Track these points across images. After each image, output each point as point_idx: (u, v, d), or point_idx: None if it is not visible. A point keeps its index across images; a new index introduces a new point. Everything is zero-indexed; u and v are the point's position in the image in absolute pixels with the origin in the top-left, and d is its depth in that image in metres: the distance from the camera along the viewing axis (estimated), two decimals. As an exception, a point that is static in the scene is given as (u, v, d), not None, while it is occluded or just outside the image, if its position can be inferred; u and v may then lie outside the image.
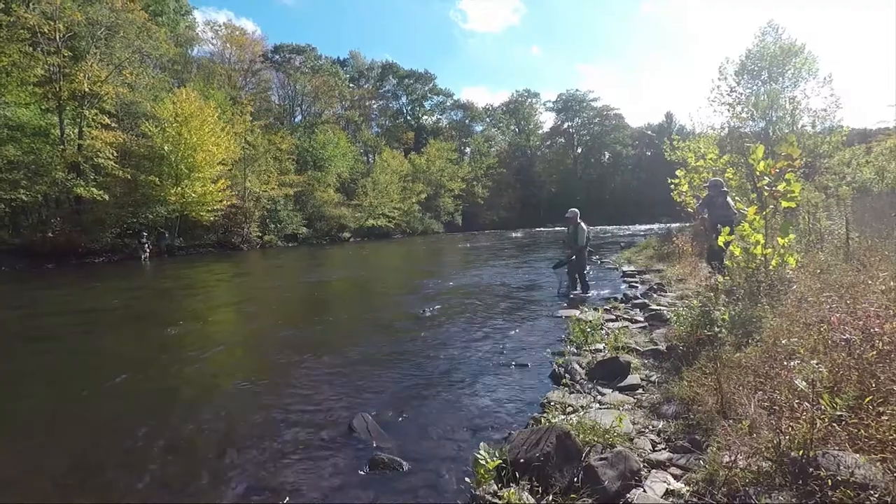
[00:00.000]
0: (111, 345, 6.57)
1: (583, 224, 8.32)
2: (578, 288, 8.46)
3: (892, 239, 6.70)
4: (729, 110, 19.91)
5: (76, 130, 22.59)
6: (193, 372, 5.16)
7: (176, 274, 17.00)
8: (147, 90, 26.91)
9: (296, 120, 48.97)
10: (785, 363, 2.87)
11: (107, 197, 21.74)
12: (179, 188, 24.20)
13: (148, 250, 22.23)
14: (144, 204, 24.14)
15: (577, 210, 8.53)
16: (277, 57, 51.10)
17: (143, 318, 8.49)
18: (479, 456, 2.41)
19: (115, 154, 22.87)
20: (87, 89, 21.90)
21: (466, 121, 71.20)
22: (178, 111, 24.50)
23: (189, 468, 2.97)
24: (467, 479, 2.49)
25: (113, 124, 23.41)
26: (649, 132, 67.46)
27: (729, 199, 7.34)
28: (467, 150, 68.42)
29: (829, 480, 1.89)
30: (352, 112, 55.56)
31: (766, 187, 5.18)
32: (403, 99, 68.36)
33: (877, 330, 2.76)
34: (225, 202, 26.56)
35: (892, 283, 3.63)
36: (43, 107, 21.76)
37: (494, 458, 2.39)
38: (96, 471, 3.02)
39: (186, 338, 6.88)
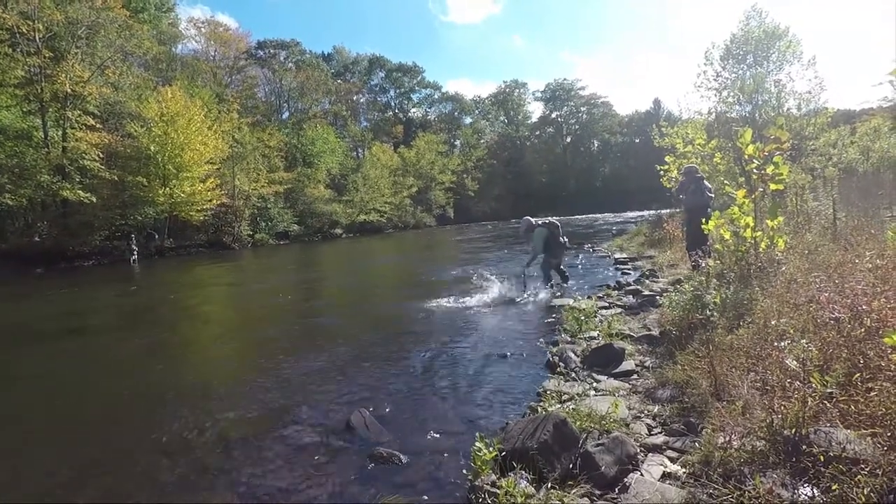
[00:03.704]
0: (103, 348, 6.51)
1: (540, 226, 7.94)
2: (552, 282, 8.10)
3: (878, 217, 6.80)
4: (716, 95, 20.07)
5: (60, 132, 22.22)
6: (187, 373, 5.14)
7: (166, 275, 16.87)
8: (131, 89, 26.51)
9: (283, 116, 48.52)
10: (776, 343, 2.90)
11: (94, 199, 21.47)
12: (168, 188, 23.98)
13: (137, 252, 22.00)
14: (133, 205, 23.91)
15: (528, 218, 8.27)
16: (262, 53, 50.46)
17: (135, 320, 8.42)
18: (476, 447, 2.43)
19: (101, 155, 22.58)
20: (69, 90, 21.54)
21: (455, 113, 70.93)
22: (164, 110, 24.23)
23: (186, 469, 2.96)
24: (465, 471, 2.51)
25: (97, 125, 23.05)
26: (637, 120, 67.66)
27: (705, 183, 7.33)
28: (457, 142, 68.23)
29: (822, 456, 1.92)
30: (339, 107, 55.11)
31: (754, 170, 5.21)
32: (391, 92, 68.04)
33: (864, 308, 2.79)
34: (214, 201, 26.37)
35: (878, 261, 3.67)
36: (24, 109, 21.39)
37: (492, 449, 2.41)
38: (92, 472, 3.00)
39: (179, 339, 6.85)
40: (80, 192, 21.12)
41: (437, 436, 3.15)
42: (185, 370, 5.28)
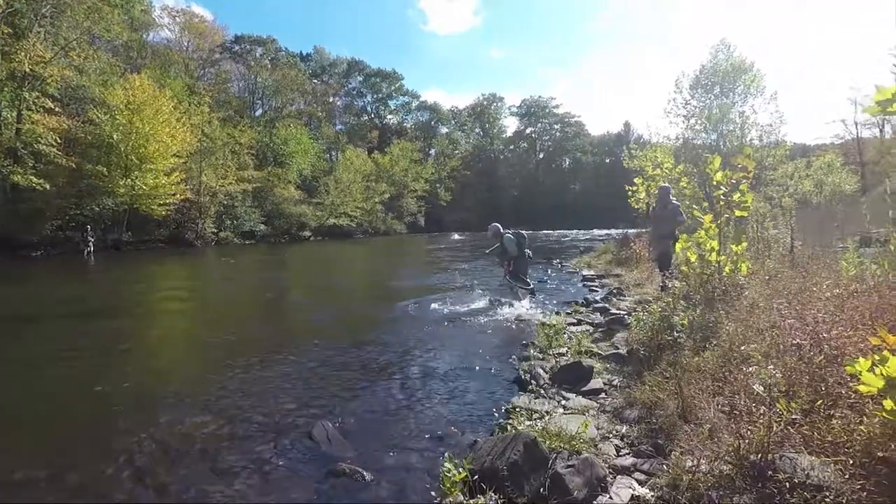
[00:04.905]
0: (47, 347, 6.09)
1: (508, 234, 7.95)
2: (521, 293, 8.05)
3: (832, 247, 7.16)
4: (684, 122, 20.92)
5: (14, 113, 21.02)
6: (138, 378, 4.83)
7: (121, 271, 16.12)
8: (97, 74, 25.39)
9: (256, 113, 47.46)
10: (742, 368, 2.96)
11: (48, 186, 20.30)
12: (129, 180, 22.99)
13: (92, 245, 20.92)
14: (90, 195, 22.76)
15: (496, 224, 8.28)
16: (237, 47, 49.33)
17: (84, 319, 7.95)
18: (445, 467, 2.35)
19: (59, 141, 21.45)
20: (28, 70, 20.46)
21: (432, 122, 71.12)
22: (130, 98, 23.28)
23: (133, 480, 2.75)
24: (433, 491, 2.43)
25: (57, 109, 21.92)
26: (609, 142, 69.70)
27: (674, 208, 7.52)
28: (431, 151, 68.31)
29: (787, 483, 1.94)
30: (314, 107, 54.37)
31: (721, 197, 5.39)
32: (368, 97, 67.61)
33: (824, 335, 2.88)
34: (178, 196, 25.43)
35: (835, 291, 3.82)
36: (-24, 87, 20.19)
37: (461, 469, 2.34)
38: (31, 482, 2.76)
39: (130, 342, 6.47)
40: (32, 177, 19.97)
41: (403, 452, 3.05)
42: (139, 374, 4.97)
